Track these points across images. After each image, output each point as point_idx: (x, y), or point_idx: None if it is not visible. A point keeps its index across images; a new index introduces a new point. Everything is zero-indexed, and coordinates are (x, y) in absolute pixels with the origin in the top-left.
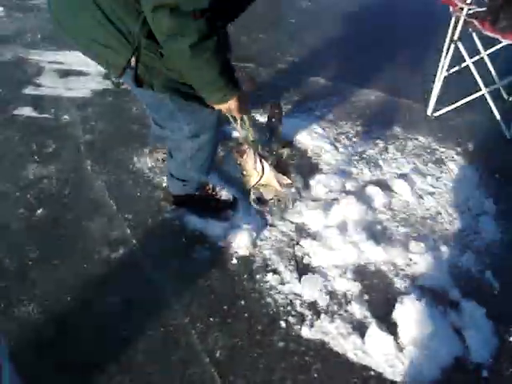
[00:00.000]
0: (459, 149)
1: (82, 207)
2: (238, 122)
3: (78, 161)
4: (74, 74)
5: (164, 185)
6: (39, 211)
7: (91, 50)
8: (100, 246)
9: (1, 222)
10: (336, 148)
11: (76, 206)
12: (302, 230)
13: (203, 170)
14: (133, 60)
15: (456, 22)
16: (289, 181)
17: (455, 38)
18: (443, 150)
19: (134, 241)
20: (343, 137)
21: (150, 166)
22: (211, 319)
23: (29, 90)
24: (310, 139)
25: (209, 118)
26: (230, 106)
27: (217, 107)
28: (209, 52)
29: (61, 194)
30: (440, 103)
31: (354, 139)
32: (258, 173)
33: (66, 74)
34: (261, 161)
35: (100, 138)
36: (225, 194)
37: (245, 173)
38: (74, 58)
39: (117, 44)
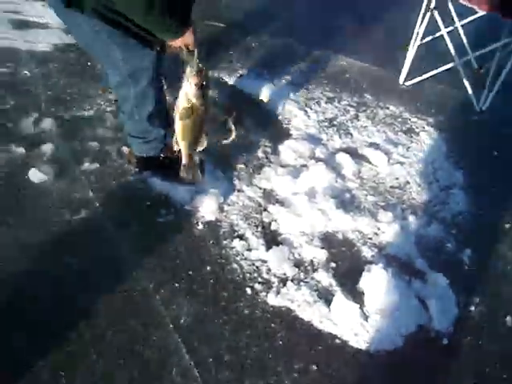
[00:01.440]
0: (430, 119)
1: (43, 167)
2: (191, 55)
3: (39, 119)
4: (33, 27)
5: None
6: None
7: None
8: (61, 208)
9: None
10: (306, 113)
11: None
12: (269, 196)
13: (158, 123)
14: None
15: None
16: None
17: (431, 6)
18: (414, 119)
19: (97, 203)
20: (314, 102)
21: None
22: (176, 285)
23: None
24: (279, 103)
25: (146, 56)
26: (185, 39)
27: (171, 42)
28: None
29: (22, 154)
30: (412, 73)
31: (325, 105)
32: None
33: (24, 25)
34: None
35: (63, 96)
36: None
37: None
38: (34, 10)
39: None
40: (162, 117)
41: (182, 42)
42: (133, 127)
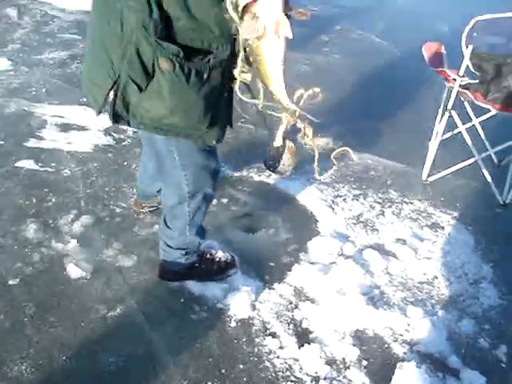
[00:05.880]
0: (455, 213)
1: (82, 265)
2: None
3: (78, 216)
4: (75, 129)
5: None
6: (37, 266)
7: (86, 87)
8: (97, 304)
9: None
10: (333, 210)
11: (75, 261)
12: (300, 294)
13: (202, 230)
14: (112, 93)
15: (449, 92)
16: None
17: (449, 107)
18: (439, 214)
19: (132, 300)
20: (340, 200)
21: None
22: (209, 383)
23: (31, 143)
24: (307, 201)
25: (208, 163)
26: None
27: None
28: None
29: (60, 249)
30: (435, 168)
31: (351, 202)
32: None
33: (67, 128)
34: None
35: (100, 194)
36: (222, 254)
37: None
38: (76, 113)
39: (101, 77)
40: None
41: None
42: (176, 241)
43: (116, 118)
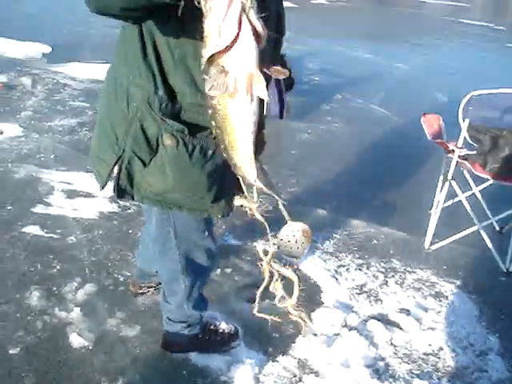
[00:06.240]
0: (458, 282)
1: (85, 334)
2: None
3: (82, 284)
4: (81, 195)
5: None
6: (39, 335)
7: (92, 162)
8: (99, 376)
9: None
10: (337, 281)
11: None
12: (304, 366)
13: (202, 303)
14: (116, 168)
15: (449, 162)
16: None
17: (449, 177)
18: (442, 283)
19: (134, 372)
20: (344, 269)
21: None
22: None
23: (38, 209)
24: (310, 271)
25: (203, 242)
26: None
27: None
28: None
29: (63, 317)
30: (437, 236)
31: (355, 272)
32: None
33: (74, 194)
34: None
35: (105, 262)
36: (226, 326)
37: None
38: (83, 179)
39: (107, 152)
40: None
41: None
42: (176, 314)
43: (120, 192)
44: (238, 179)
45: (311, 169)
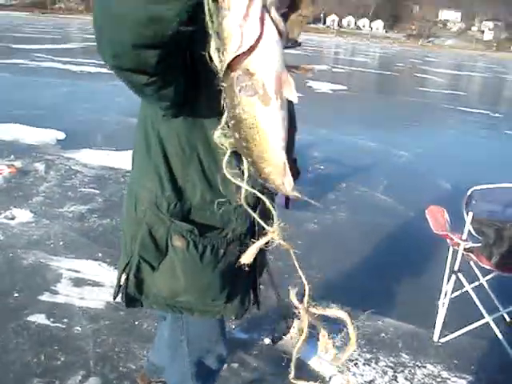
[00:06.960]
0: (469, 377)
1: None
2: None
3: (86, 377)
4: (89, 284)
5: None
6: None
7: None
8: None
9: None
10: (345, 376)
11: None
12: None
13: None
14: (123, 276)
15: (455, 253)
16: None
17: (455, 269)
18: (454, 379)
19: None
20: (352, 364)
21: None
22: None
23: (45, 297)
24: (318, 367)
25: (216, 348)
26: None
27: None
28: None
29: None
30: (446, 328)
31: (363, 367)
32: None
33: (81, 282)
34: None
35: (110, 354)
36: None
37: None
38: (91, 268)
39: (121, 258)
40: None
41: None
42: None
43: (130, 301)
44: (254, 280)
45: (317, 260)
